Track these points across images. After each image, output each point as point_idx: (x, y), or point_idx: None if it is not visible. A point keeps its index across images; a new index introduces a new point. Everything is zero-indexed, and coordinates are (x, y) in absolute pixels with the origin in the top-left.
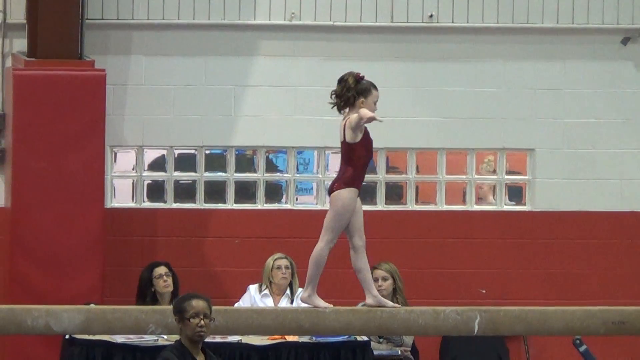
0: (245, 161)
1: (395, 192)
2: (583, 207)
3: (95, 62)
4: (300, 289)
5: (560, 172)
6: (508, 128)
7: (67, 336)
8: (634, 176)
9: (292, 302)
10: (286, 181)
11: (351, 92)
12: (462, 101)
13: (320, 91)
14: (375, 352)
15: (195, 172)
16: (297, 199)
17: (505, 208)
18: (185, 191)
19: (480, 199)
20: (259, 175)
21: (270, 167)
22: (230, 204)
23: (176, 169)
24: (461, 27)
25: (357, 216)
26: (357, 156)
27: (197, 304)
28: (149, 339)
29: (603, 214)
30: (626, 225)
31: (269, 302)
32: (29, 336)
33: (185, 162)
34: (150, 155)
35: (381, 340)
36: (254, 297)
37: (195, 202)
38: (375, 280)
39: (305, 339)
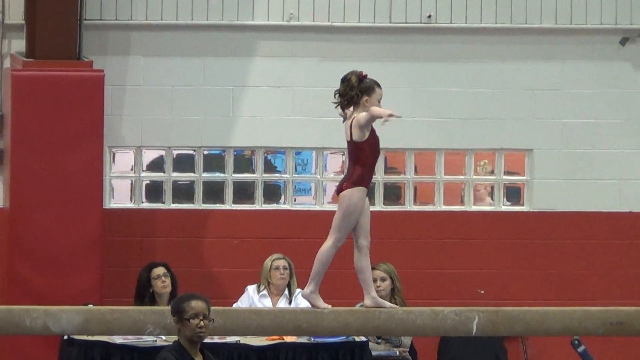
0: (243, 162)
1: (393, 193)
2: (582, 207)
3: (94, 62)
4: (298, 290)
5: (558, 173)
6: (506, 128)
7: (65, 337)
8: (633, 176)
9: (290, 303)
10: (284, 182)
11: (354, 91)
12: (460, 102)
13: (319, 92)
14: (374, 353)
15: (194, 172)
16: (295, 200)
17: (504, 208)
18: (183, 192)
19: (478, 200)
20: (258, 176)
21: (269, 167)
22: (229, 205)
23: (175, 170)
24: (459, 28)
25: (364, 216)
26: (364, 155)
27: (197, 304)
28: (147, 340)
29: (602, 215)
30: (625, 225)
31: (267, 303)
32: (27, 337)
33: (184, 163)
34: (149, 155)
35: (379, 340)
36: (252, 298)
37: (193, 203)
38: (374, 280)
39: (303, 339)
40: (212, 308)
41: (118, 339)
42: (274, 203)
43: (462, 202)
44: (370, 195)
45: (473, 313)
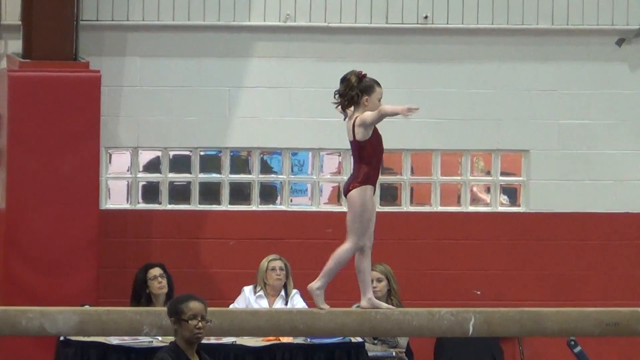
0: (240, 162)
1: (390, 193)
2: (578, 208)
3: (90, 63)
4: (294, 290)
5: (555, 173)
6: (503, 129)
7: (61, 337)
8: (629, 177)
9: (286, 304)
10: (281, 182)
11: (354, 90)
12: (457, 102)
13: (316, 92)
14: (370, 354)
15: (190, 173)
16: (291, 201)
17: (500, 209)
18: (180, 192)
19: (474, 200)
20: (254, 177)
21: (265, 168)
22: (225, 205)
23: (171, 170)
24: (456, 29)
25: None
26: (368, 154)
27: (195, 305)
28: (143, 341)
29: (598, 215)
30: (621, 226)
31: (263, 304)
32: (23, 337)
33: (180, 164)
34: (145, 156)
35: (376, 341)
36: (249, 299)
37: (190, 204)
38: None
39: (299, 340)
40: (209, 309)
41: (114, 340)
42: (270, 204)
43: (458, 203)
44: None
45: (469, 314)
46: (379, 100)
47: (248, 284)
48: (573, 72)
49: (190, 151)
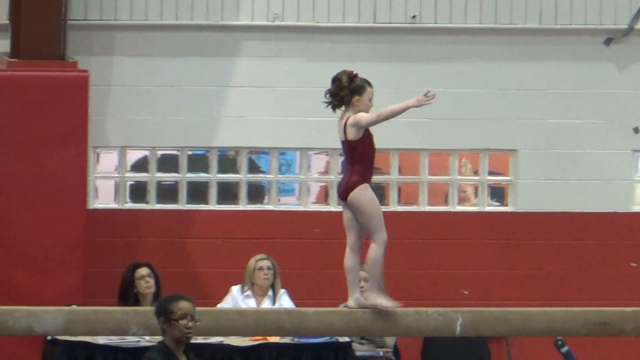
0: (227, 162)
1: (378, 193)
2: (566, 207)
3: (79, 63)
4: (282, 290)
5: (542, 173)
6: (491, 129)
7: (49, 337)
8: (617, 177)
9: (274, 303)
10: (269, 182)
11: (345, 90)
12: (444, 102)
13: (303, 92)
14: (357, 353)
15: (178, 173)
16: (279, 200)
17: (488, 209)
18: (167, 192)
19: (462, 200)
20: (242, 176)
21: (253, 168)
22: (213, 205)
23: (159, 170)
24: (444, 28)
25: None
26: (360, 153)
27: (185, 305)
28: (130, 340)
29: (586, 215)
30: (609, 226)
31: (251, 303)
32: (10, 337)
33: (168, 163)
34: (133, 156)
35: (363, 341)
36: (237, 298)
37: (177, 203)
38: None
39: (287, 340)
40: (196, 308)
41: (101, 340)
42: (258, 203)
43: (446, 203)
44: None
45: (457, 314)
46: (370, 100)
47: (236, 284)
48: (561, 71)
49: (178, 151)
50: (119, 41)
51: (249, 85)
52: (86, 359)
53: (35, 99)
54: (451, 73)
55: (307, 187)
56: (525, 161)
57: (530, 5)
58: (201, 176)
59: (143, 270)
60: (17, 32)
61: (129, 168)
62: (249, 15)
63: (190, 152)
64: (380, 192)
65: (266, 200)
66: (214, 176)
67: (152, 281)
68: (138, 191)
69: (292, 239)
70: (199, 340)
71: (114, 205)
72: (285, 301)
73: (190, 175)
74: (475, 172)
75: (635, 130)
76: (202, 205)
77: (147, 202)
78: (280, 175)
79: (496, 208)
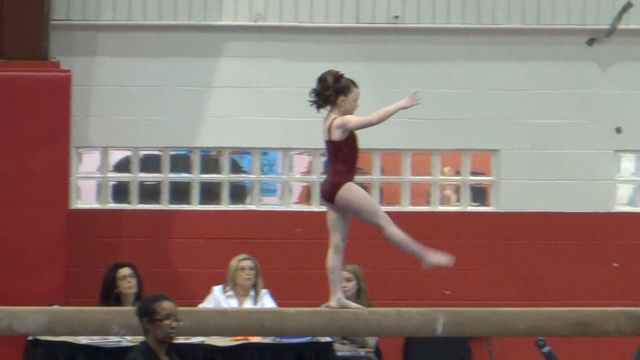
0: (210, 162)
1: None
2: (548, 208)
3: (61, 63)
4: (264, 290)
5: (525, 173)
6: (473, 129)
7: (30, 337)
8: (599, 177)
9: (256, 303)
10: (251, 182)
11: (330, 90)
12: (427, 102)
13: (286, 92)
14: (339, 353)
15: (160, 173)
16: (261, 200)
17: (470, 209)
18: (150, 192)
19: (444, 201)
20: (224, 177)
21: (235, 168)
22: (195, 205)
23: (141, 170)
24: (427, 28)
25: (345, 218)
26: (344, 154)
27: (169, 305)
28: (112, 340)
29: (568, 215)
30: (591, 226)
31: (233, 303)
32: None
33: (150, 163)
34: (115, 156)
35: (344, 341)
36: (218, 298)
37: (160, 203)
38: None
39: (268, 340)
40: (178, 308)
41: (83, 340)
42: (240, 203)
43: (428, 203)
44: None
45: (438, 314)
46: (355, 101)
47: (218, 284)
48: (544, 71)
49: (161, 151)
50: (101, 41)
51: (232, 86)
52: (68, 359)
53: (17, 99)
54: (434, 73)
55: (289, 187)
56: (508, 161)
57: (513, 6)
58: (183, 176)
59: (125, 271)
60: None
61: (111, 168)
62: (232, 15)
63: (172, 152)
64: None
65: (248, 200)
66: (196, 176)
67: (134, 281)
68: (120, 191)
69: (274, 239)
70: (181, 340)
71: (96, 206)
72: (267, 301)
73: (172, 175)
74: (458, 173)
75: (618, 130)
76: (185, 206)
77: (129, 202)
78: (262, 176)
79: (478, 208)
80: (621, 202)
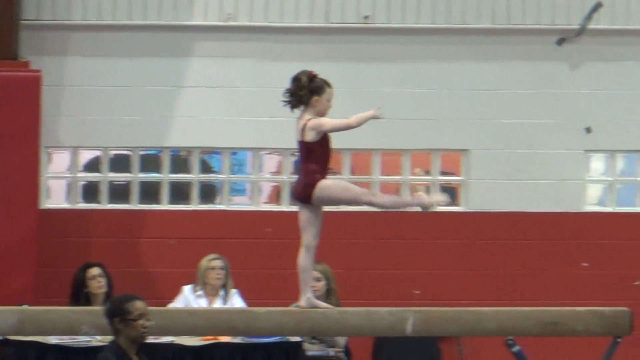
0: (180, 162)
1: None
2: (518, 207)
3: (31, 63)
4: (234, 290)
5: (495, 173)
6: (442, 129)
7: (0, 337)
8: (570, 177)
9: (225, 303)
10: (221, 182)
11: (304, 90)
12: (397, 102)
13: (256, 92)
14: (308, 353)
15: (130, 172)
16: (231, 200)
17: (439, 209)
18: (119, 192)
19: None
20: (194, 176)
21: (205, 167)
22: (165, 205)
23: (111, 170)
24: (396, 28)
25: (317, 217)
26: (316, 155)
27: (141, 305)
28: (82, 340)
29: (539, 215)
30: (561, 226)
31: (202, 303)
32: None
33: (120, 163)
34: (85, 156)
35: (314, 341)
36: (188, 298)
37: (129, 203)
38: None
39: (238, 339)
40: (148, 308)
41: (53, 340)
42: (210, 203)
43: None
44: None
45: (408, 313)
46: (329, 101)
47: (188, 284)
48: (514, 71)
49: (131, 151)
50: (71, 41)
51: (202, 86)
52: (37, 359)
53: None
54: (404, 73)
55: (259, 187)
56: (477, 161)
57: (483, 5)
58: (153, 176)
59: (94, 270)
60: None
61: (81, 168)
62: (202, 15)
63: (142, 152)
64: None
65: (218, 200)
66: (166, 176)
67: (103, 281)
68: (90, 191)
69: (244, 239)
70: (150, 340)
71: (66, 205)
72: (236, 301)
73: (142, 175)
74: (427, 172)
75: (587, 130)
76: (154, 205)
77: (99, 202)
78: (232, 175)
79: (448, 208)
80: (591, 202)
